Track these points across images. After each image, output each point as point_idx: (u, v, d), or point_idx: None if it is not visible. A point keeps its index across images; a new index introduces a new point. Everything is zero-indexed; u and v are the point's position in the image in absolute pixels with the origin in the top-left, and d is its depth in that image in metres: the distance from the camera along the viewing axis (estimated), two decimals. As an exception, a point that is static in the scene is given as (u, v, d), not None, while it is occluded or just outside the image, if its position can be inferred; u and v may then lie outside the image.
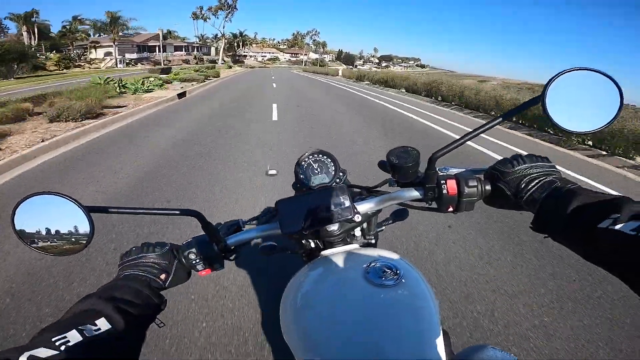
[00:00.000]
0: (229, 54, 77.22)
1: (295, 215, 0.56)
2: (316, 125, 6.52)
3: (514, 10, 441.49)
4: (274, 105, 8.75)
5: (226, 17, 65.00)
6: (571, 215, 0.41)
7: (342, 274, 0.57)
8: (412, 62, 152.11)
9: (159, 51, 50.01)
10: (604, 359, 1.47)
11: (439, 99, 12.07)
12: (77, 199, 0.42)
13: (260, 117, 7.17)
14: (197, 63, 55.12)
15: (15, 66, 30.93)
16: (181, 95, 10.90)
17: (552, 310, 1.74)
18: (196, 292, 1.78)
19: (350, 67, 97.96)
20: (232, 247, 0.59)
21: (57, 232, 0.44)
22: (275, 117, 7.20)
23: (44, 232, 0.44)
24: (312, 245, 0.67)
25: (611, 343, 1.55)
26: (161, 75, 16.92)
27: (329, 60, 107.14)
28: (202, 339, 1.51)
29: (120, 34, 51.71)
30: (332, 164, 0.68)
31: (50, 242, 0.44)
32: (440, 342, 0.45)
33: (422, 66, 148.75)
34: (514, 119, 7.54)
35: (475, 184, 0.53)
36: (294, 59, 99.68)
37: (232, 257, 0.60)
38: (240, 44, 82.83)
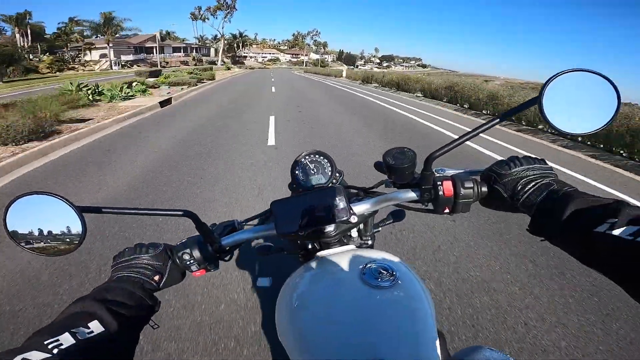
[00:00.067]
0: (229, 55, 75.86)
1: (291, 216, 0.55)
2: (330, 150, 4.98)
3: (514, 9, 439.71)
4: (271, 121, 6.87)
5: (225, 17, 63.70)
6: (568, 218, 0.41)
7: (338, 275, 0.56)
8: (414, 62, 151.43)
9: (156, 53, 48.48)
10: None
11: (465, 106, 10.11)
12: (69, 200, 0.42)
13: (252, 137, 5.53)
14: (195, 64, 53.95)
15: (6, 69, 29.53)
16: (164, 103, 9.36)
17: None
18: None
19: (352, 67, 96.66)
20: (226, 248, 0.58)
21: (49, 232, 0.44)
22: (271, 138, 5.43)
23: (36, 233, 0.43)
24: (309, 246, 0.67)
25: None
26: (149, 79, 15.41)
27: (331, 61, 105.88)
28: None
29: (118, 35, 50.60)
30: (329, 165, 0.66)
31: (44, 243, 0.44)
32: (435, 343, 0.45)
33: (424, 66, 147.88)
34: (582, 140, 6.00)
35: (472, 185, 0.52)
36: (295, 59, 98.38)
37: (226, 258, 0.60)
38: (240, 44, 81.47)
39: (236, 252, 0.61)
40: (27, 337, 0.37)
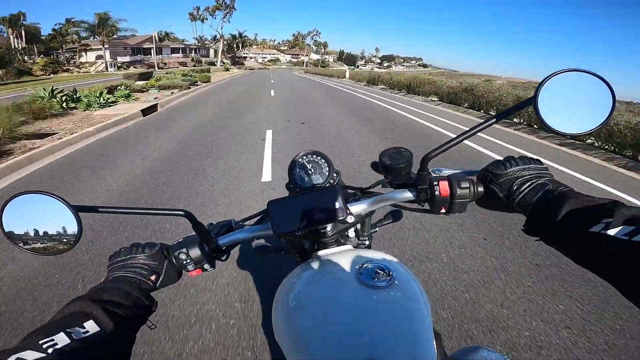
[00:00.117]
0: (229, 55, 74.84)
1: (288, 216, 0.55)
2: (348, 174, 3.79)
3: (513, 8, 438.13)
4: (268, 136, 5.46)
5: (224, 17, 62.71)
6: (563, 218, 0.41)
7: (334, 275, 0.56)
8: (414, 61, 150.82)
9: (154, 54, 47.43)
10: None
11: (492, 113, 8.52)
12: (65, 199, 0.42)
13: (241, 163, 4.15)
14: (194, 65, 53.03)
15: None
16: (148, 110, 8.22)
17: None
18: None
19: (352, 67, 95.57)
20: (223, 248, 0.58)
21: (45, 231, 0.44)
22: (267, 170, 3.86)
23: (32, 232, 0.44)
24: (306, 246, 0.67)
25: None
26: (138, 82, 14.28)
27: (333, 61, 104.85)
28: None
29: (115, 36, 49.59)
30: (326, 165, 0.66)
31: (40, 242, 0.44)
32: (432, 343, 0.45)
33: (424, 66, 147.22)
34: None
35: (468, 185, 0.52)
36: (295, 60, 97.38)
37: (223, 258, 0.59)
38: (240, 45, 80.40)
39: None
40: (22, 338, 0.37)
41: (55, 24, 47.89)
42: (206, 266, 0.56)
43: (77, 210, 0.43)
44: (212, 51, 73.03)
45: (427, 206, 0.56)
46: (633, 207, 0.36)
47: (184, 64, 54.41)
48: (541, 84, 0.43)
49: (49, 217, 0.43)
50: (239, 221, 0.66)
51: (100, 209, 0.48)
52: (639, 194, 3.55)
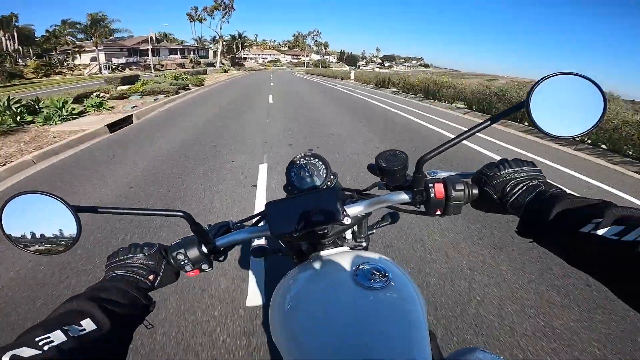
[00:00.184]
0: (228, 56, 73.45)
1: (285, 218, 0.55)
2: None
3: (514, 8, 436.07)
4: (261, 176, 3.70)
5: (223, 17, 61.31)
6: (554, 219, 0.41)
7: (331, 276, 0.57)
8: (415, 61, 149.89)
9: (150, 55, 46.02)
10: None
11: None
12: (65, 199, 0.42)
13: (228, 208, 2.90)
14: (193, 67, 51.64)
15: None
16: (119, 124, 6.74)
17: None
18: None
19: (353, 67, 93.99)
20: (221, 248, 0.58)
21: (45, 231, 0.44)
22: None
23: (32, 232, 0.44)
24: (303, 247, 0.68)
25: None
26: (122, 87, 12.81)
27: (335, 62, 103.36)
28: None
29: (112, 37, 48.18)
30: (324, 167, 0.66)
31: (39, 242, 0.44)
32: (427, 343, 0.45)
33: (426, 65, 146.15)
34: None
35: (463, 187, 0.52)
36: (295, 60, 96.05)
37: (221, 258, 0.60)
38: (240, 46, 78.99)
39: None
40: (19, 335, 0.37)
41: (51, 25, 46.52)
42: (204, 267, 0.56)
43: (76, 210, 0.43)
44: (211, 52, 71.56)
45: (422, 208, 0.56)
46: (623, 207, 0.36)
47: (182, 66, 52.98)
48: (533, 87, 0.43)
49: (48, 217, 0.43)
50: (236, 222, 0.66)
51: (100, 210, 0.48)
52: None
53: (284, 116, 7.98)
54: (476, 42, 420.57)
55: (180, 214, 0.51)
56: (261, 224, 0.63)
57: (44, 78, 35.42)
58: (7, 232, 0.43)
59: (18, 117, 6.63)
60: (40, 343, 0.35)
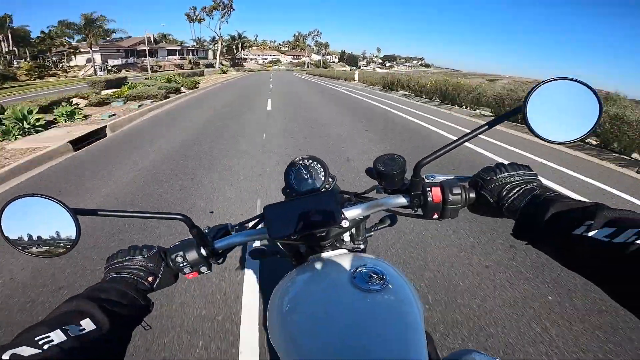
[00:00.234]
0: (228, 57, 72.38)
1: (284, 220, 0.55)
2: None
3: (514, 7, 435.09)
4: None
5: (222, 17, 60.21)
6: (548, 222, 0.42)
7: (329, 279, 0.57)
8: (416, 61, 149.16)
9: (147, 56, 44.95)
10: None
11: (602, 144, 5.39)
12: (64, 202, 0.42)
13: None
14: (191, 68, 50.68)
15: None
16: (87, 139, 5.63)
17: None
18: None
19: (354, 68, 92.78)
20: (219, 251, 0.59)
21: (44, 234, 0.44)
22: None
23: (31, 235, 0.44)
24: (301, 249, 0.68)
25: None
26: (107, 90, 11.70)
27: (336, 62, 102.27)
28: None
29: (109, 38, 47.18)
30: (322, 170, 0.66)
31: (39, 245, 0.44)
32: (424, 346, 0.46)
33: (427, 65, 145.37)
34: None
35: (460, 191, 0.53)
36: (296, 61, 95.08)
37: (219, 261, 0.60)
38: (240, 46, 77.93)
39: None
40: (18, 334, 0.37)
41: (47, 26, 45.49)
42: (203, 269, 0.56)
43: (75, 213, 0.43)
44: (210, 53, 70.55)
45: (420, 211, 0.56)
46: (615, 209, 0.37)
47: (180, 67, 51.98)
48: (530, 92, 0.43)
49: (47, 220, 0.43)
50: (235, 225, 0.66)
51: (99, 212, 0.48)
52: None
53: (283, 126, 6.79)
54: (476, 42, 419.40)
55: (179, 216, 0.52)
56: (260, 226, 0.63)
57: (37, 80, 34.47)
58: (5, 235, 0.43)
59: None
60: (40, 342, 0.35)
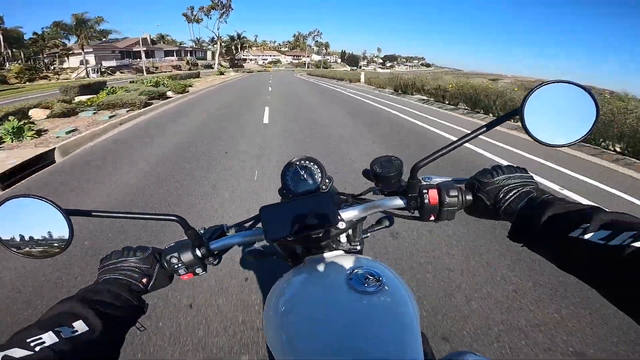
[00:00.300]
0: (227, 57, 70.93)
1: (280, 221, 0.55)
2: None
3: (514, 6, 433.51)
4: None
5: (220, 17, 58.66)
6: (545, 225, 0.42)
7: (325, 280, 0.57)
8: (417, 61, 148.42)
9: (142, 57, 43.54)
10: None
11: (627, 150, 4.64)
12: (57, 203, 0.42)
13: None
14: (190, 69, 49.34)
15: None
16: (27, 168, 4.17)
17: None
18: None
19: (355, 68, 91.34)
20: (215, 252, 0.58)
21: (37, 234, 0.44)
22: None
23: (24, 236, 0.44)
24: (298, 250, 0.67)
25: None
26: (81, 97, 10.25)
27: (340, 62, 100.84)
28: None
29: (105, 39, 45.78)
30: (319, 171, 0.65)
31: (31, 246, 0.44)
32: (420, 347, 0.46)
33: (428, 65, 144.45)
34: None
35: (456, 194, 0.53)
36: (296, 61, 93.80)
37: (215, 262, 0.58)
38: (239, 46, 76.49)
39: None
40: (11, 336, 0.37)
41: (42, 27, 43.96)
42: (198, 270, 0.56)
43: (68, 213, 0.43)
44: (209, 53, 69.12)
45: (416, 213, 0.56)
46: (611, 212, 0.37)
47: (177, 68, 50.62)
48: (527, 95, 0.43)
49: (40, 220, 0.43)
50: (231, 226, 0.65)
51: (94, 213, 0.48)
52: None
53: (282, 150, 5.27)
54: (476, 41, 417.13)
55: (174, 218, 0.52)
56: (256, 227, 0.62)
57: (27, 83, 33.09)
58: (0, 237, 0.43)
59: None
60: (32, 344, 0.35)
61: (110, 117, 7.31)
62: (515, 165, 0.53)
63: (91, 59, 41.77)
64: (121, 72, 41.15)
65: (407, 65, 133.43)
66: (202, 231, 0.60)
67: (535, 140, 0.44)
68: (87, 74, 37.35)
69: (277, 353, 0.50)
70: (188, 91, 13.64)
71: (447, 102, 10.17)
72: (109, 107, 8.27)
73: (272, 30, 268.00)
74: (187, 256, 0.54)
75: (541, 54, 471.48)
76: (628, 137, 4.78)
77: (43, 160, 4.65)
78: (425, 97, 11.64)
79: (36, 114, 7.26)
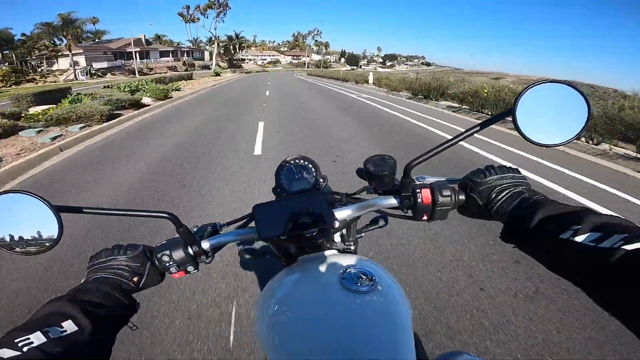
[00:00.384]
0: (225, 58, 69.08)
1: (273, 220, 0.54)
2: None
3: (514, 6, 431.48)
4: None
5: (217, 16, 56.96)
6: (536, 226, 0.42)
7: (318, 279, 0.56)
8: (417, 60, 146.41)
9: (135, 58, 41.71)
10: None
11: None
12: (47, 199, 0.42)
13: None
14: (186, 69, 47.53)
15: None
16: None
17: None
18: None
19: (355, 67, 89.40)
20: (207, 250, 0.57)
21: (25, 231, 0.43)
22: None
23: (12, 233, 0.43)
24: (291, 249, 0.67)
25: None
26: (36, 107, 8.43)
27: (342, 61, 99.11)
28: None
29: (99, 40, 44.05)
30: (313, 170, 0.65)
31: (20, 244, 0.44)
32: (412, 347, 0.46)
33: (428, 64, 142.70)
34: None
35: (449, 193, 0.53)
36: (296, 61, 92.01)
37: (207, 261, 0.58)
38: (237, 46, 74.60)
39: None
40: (1, 336, 0.37)
41: (32, 28, 42.15)
42: (189, 268, 0.56)
43: (58, 210, 0.42)
44: (207, 54, 67.27)
45: (410, 213, 0.56)
46: (602, 215, 0.37)
47: (173, 69, 48.86)
48: (519, 95, 0.43)
49: (30, 217, 0.42)
50: (224, 224, 0.64)
51: (85, 210, 0.47)
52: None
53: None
54: (476, 40, 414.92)
55: (165, 215, 0.51)
56: (250, 225, 0.61)
57: (13, 86, 31.32)
58: None
59: None
60: (20, 344, 0.35)
61: (53, 138, 5.50)
62: (507, 166, 0.53)
63: (81, 60, 39.93)
64: (112, 74, 39.34)
65: (407, 64, 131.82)
66: (194, 229, 0.58)
67: (528, 140, 0.45)
68: (76, 76, 35.48)
69: (270, 353, 0.49)
70: (171, 97, 11.76)
71: (486, 112, 8.13)
72: (59, 122, 6.46)
73: (271, 30, 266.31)
74: (178, 254, 0.53)
75: (541, 52, 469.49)
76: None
77: None
78: (455, 105, 9.48)
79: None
